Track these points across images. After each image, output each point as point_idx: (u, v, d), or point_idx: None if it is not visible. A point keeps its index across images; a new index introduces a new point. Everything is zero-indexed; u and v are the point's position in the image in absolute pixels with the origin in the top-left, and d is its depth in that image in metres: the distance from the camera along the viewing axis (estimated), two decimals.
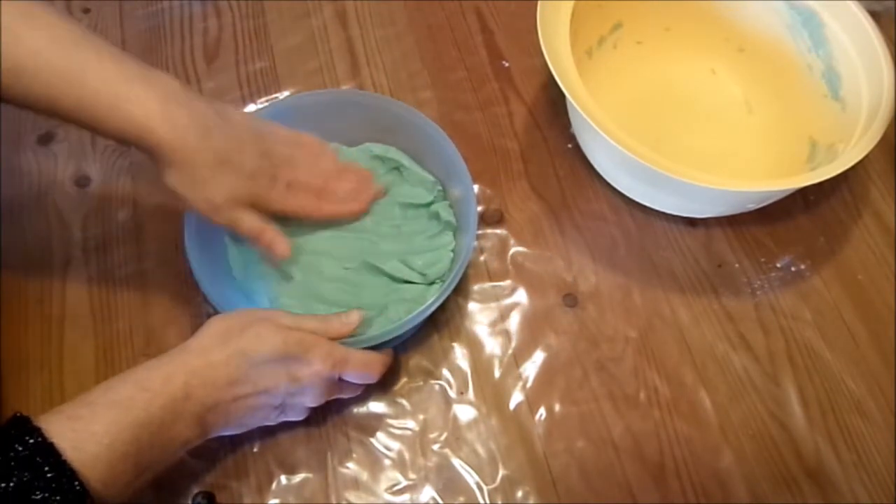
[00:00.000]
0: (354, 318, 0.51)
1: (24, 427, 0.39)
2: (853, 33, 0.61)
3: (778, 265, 0.63)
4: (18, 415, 0.40)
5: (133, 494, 0.43)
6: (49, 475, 0.37)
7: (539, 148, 0.68)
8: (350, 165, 0.60)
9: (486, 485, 0.53)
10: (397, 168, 0.62)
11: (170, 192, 0.49)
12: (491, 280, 0.61)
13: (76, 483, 0.38)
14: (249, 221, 0.52)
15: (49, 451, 0.38)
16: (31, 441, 0.38)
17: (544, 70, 0.69)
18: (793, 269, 0.63)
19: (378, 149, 0.62)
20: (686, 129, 0.69)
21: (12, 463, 0.37)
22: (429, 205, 0.60)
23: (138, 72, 0.47)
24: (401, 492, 0.53)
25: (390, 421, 0.55)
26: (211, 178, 0.49)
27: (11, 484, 0.36)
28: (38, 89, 0.45)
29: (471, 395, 0.57)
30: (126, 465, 0.41)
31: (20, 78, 0.44)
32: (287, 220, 0.58)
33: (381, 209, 0.60)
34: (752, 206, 0.61)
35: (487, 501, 0.53)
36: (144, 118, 0.46)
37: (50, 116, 0.47)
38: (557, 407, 0.56)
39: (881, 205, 0.66)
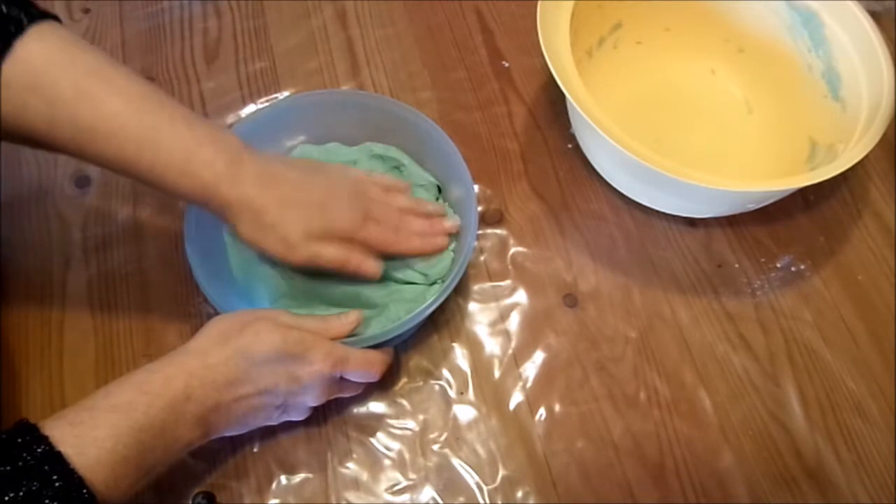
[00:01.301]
0: (353, 318, 0.52)
1: (31, 435, 0.39)
2: (853, 33, 0.61)
3: (778, 265, 0.63)
4: (24, 422, 0.39)
5: (134, 495, 0.43)
6: (57, 484, 0.37)
7: (539, 148, 0.68)
8: (422, 202, 0.59)
9: (486, 485, 0.53)
10: (397, 168, 0.62)
11: (249, 245, 0.50)
12: (491, 280, 0.61)
13: (84, 491, 0.38)
14: (329, 253, 0.51)
15: (57, 460, 0.38)
16: (38, 449, 0.38)
17: (544, 70, 0.69)
18: (793, 269, 0.63)
19: (378, 148, 0.62)
20: (686, 129, 0.69)
21: (21, 472, 0.37)
22: None
23: (207, 133, 0.48)
24: (401, 492, 0.53)
25: (390, 421, 0.55)
26: (280, 220, 0.49)
27: (21, 493, 0.36)
28: (112, 152, 0.45)
29: (471, 395, 0.57)
30: (128, 469, 0.41)
31: (95, 139, 0.45)
32: None
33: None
34: (752, 206, 0.61)
35: (487, 501, 0.53)
36: (213, 180, 0.47)
37: (123, 175, 0.48)
38: (557, 407, 0.56)
39: (881, 205, 0.66)
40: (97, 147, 0.45)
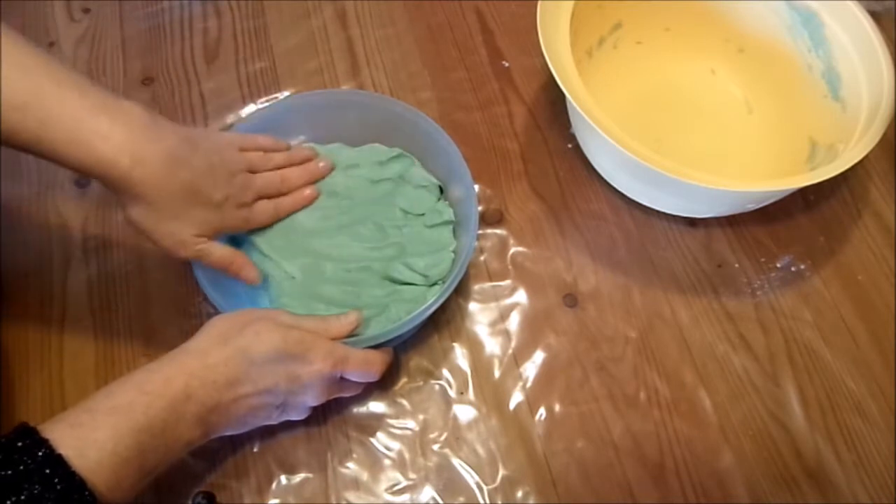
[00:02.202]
0: (353, 318, 0.52)
1: (32, 438, 0.39)
2: (853, 33, 0.61)
3: (778, 265, 0.63)
4: (24, 426, 0.39)
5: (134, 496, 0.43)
6: (59, 487, 0.37)
7: (539, 148, 0.68)
8: (295, 150, 0.60)
9: (486, 485, 0.53)
10: (401, 175, 0.61)
11: (133, 228, 0.48)
12: (491, 280, 0.61)
13: (86, 493, 0.38)
14: (219, 253, 0.52)
15: (58, 463, 0.38)
16: (39, 453, 0.38)
17: (544, 70, 0.69)
18: (793, 269, 0.63)
19: (385, 150, 0.62)
20: (686, 129, 0.69)
21: (22, 476, 0.37)
22: (431, 206, 0.60)
23: (103, 103, 0.45)
24: (401, 492, 0.53)
25: (390, 421, 0.55)
26: (181, 213, 0.48)
27: (23, 497, 0.36)
28: None
29: (471, 395, 0.57)
30: (129, 470, 0.41)
31: None
32: (287, 224, 0.58)
33: (384, 211, 0.60)
34: (752, 206, 0.61)
35: (487, 501, 0.53)
36: (109, 152, 0.44)
37: (13, 148, 0.44)
38: (557, 407, 0.56)
39: (881, 205, 0.66)
40: None
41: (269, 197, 0.57)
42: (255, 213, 0.55)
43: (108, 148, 0.44)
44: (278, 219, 0.58)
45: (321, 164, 0.60)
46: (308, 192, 0.59)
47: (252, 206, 0.55)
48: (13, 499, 0.36)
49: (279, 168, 0.58)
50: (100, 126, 0.44)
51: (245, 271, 0.54)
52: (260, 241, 0.57)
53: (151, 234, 0.49)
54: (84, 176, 0.47)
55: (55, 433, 0.39)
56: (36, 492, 0.37)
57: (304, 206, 0.59)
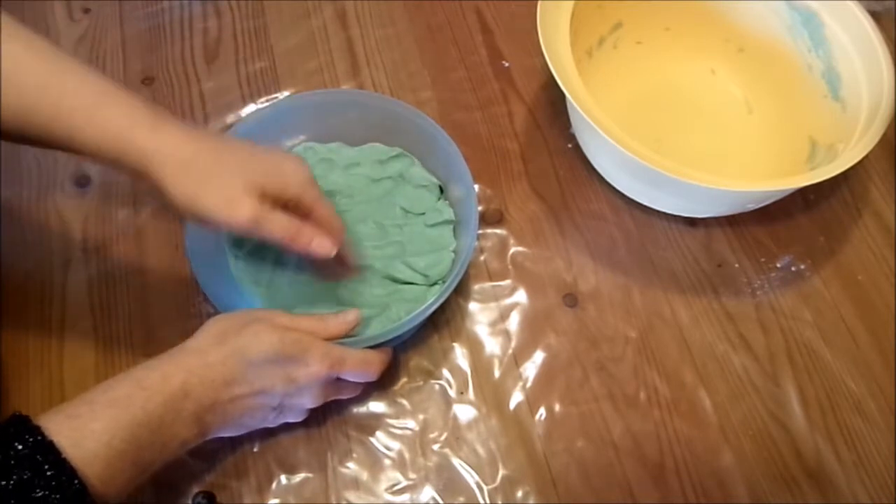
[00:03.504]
0: (352, 317, 0.51)
1: (24, 426, 0.39)
2: (853, 33, 0.61)
3: (778, 265, 0.63)
4: (18, 414, 0.40)
5: (133, 493, 0.43)
6: (49, 473, 0.37)
7: (539, 148, 0.68)
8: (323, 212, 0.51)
9: (486, 485, 0.53)
10: (401, 174, 0.61)
11: (180, 209, 0.44)
12: (491, 280, 0.61)
13: (76, 481, 0.38)
14: (278, 220, 0.45)
15: (49, 450, 0.38)
16: (31, 440, 0.38)
17: (544, 70, 0.69)
18: (793, 269, 0.63)
19: (384, 149, 0.62)
20: (686, 129, 0.69)
21: (12, 461, 0.37)
22: (431, 205, 0.60)
23: (114, 86, 0.45)
24: (401, 492, 0.53)
25: (390, 421, 0.55)
26: (216, 168, 0.43)
27: (12, 482, 0.37)
28: (10, 101, 0.42)
29: (471, 395, 0.57)
30: (124, 464, 0.41)
31: None
32: None
33: (384, 210, 0.60)
34: (752, 206, 0.61)
35: (487, 501, 0.53)
36: (127, 125, 0.43)
37: (24, 136, 0.44)
38: (557, 407, 0.56)
39: (881, 205, 0.66)
40: None
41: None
42: (317, 191, 0.48)
43: (125, 119, 0.43)
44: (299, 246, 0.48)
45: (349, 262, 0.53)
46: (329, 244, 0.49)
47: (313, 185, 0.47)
48: (2, 483, 0.36)
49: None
50: (116, 100, 0.43)
51: (317, 244, 0.46)
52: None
53: (197, 203, 0.43)
54: (98, 160, 0.43)
55: (51, 423, 0.39)
56: (26, 477, 0.37)
57: (320, 255, 0.49)
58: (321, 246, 0.47)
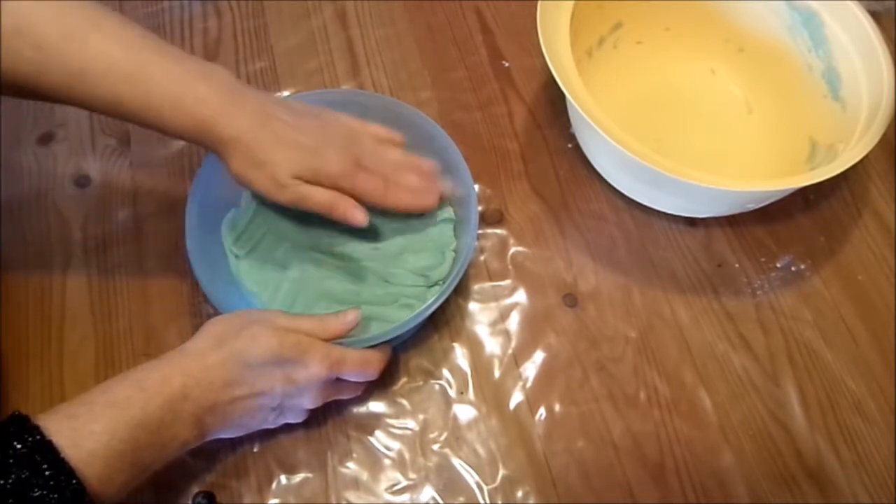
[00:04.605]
0: (351, 317, 0.51)
1: (23, 425, 0.39)
2: (853, 33, 0.61)
3: (778, 265, 0.63)
4: (17, 413, 0.40)
5: (132, 493, 0.43)
6: (47, 473, 0.37)
7: (539, 148, 0.68)
8: (416, 159, 0.57)
9: (486, 485, 0.53)
10: None
11: (238, 182, 0.50)
12: (491, 280, 0.61)
13: (74, 481, 0.38)
14: (317, 196, 0.51)
15: (47, 449, 0.38)
16: (30, 439, 0.38)
17: (544, 70, 0.69)
18: (793, 269, 0.63)
19: None
20: (686, 129, 0.69)
21: (11, 461, 0.37)
22: None
23: (198, 69, 0.48)
24: (401, 492, 0.53)
25: (390, 421, 0.55)
26: (271, 158, 0.49)
27: (10, 481, 0.37)
28: (103, 93, 0.45)
29: (471, 395, 0.57)
30: (123, 464, 0.41)
31: (85, 80, 0.45)
32: (287, 222, 0.58)
33: (384, 210, 0.60)
34: (752, 206, 0.61)
35: (487, 501, 0.53)
36: (208, 117, 0.47)
37: (114, 117, 0.48)
38: (557, 407, 0.56)
39: (881, 205, 0.66)
40: (88, 89, 0.45)
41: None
42: (361, 175, 0.52)
43: (206, 111, 0.47)
44: (387, 204, 0.54)
45: (442, 185, 0.57)
46: (428, 199, 0.56)
47: (357, 168, 0.52)
48: (0, 483, 0.36)
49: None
50: (198, 91, 0.47)
51: (351, 214, 0.52)
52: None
53: (252, 182, 0.49)
54: (182, 139, 0.49)
55: (51, 423, 0.39)
56: (24, 477, 0.37)
57: (419, 209, 0.57)
58: (354, 217, 0.52)
